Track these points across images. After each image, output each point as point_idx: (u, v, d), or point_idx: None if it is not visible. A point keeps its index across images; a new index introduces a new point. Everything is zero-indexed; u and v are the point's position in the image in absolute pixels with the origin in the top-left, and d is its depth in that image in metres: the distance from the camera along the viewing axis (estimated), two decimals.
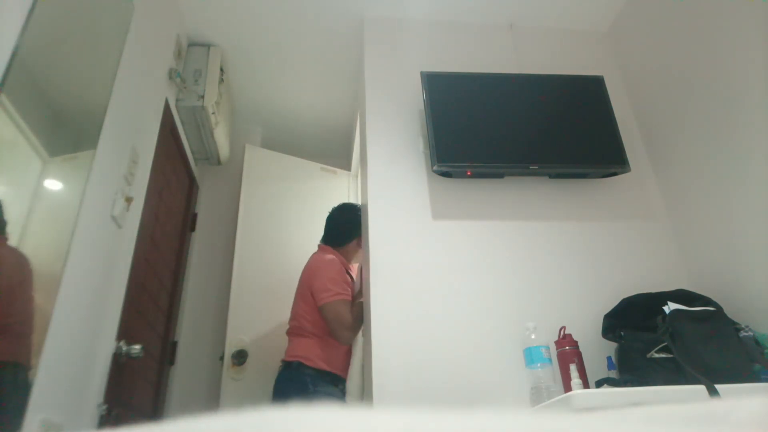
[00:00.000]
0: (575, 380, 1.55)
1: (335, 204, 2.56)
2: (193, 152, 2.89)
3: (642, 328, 1.65)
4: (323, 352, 2.15)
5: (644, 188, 2.24)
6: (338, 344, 2.18)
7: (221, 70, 2.69)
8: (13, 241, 1.19)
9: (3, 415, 1.13)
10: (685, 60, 2.12)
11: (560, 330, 1.71)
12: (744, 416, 0.20)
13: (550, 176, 2.15)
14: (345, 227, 2.42)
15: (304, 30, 2.62)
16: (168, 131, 2.40)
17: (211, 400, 2.55)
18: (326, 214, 2.52)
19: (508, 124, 2.13)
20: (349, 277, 2.31)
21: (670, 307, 1.62)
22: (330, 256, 2.31)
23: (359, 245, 2.36)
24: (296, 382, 2.09)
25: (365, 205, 2.11)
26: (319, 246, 2.43)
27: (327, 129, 3.40)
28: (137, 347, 1.82)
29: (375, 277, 1.87)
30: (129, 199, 1.82)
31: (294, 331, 2.25)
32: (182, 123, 2.65)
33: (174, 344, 2.60)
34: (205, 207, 3.07)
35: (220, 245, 2.98)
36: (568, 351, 1.64)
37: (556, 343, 1.69)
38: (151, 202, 2.14)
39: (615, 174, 2.14)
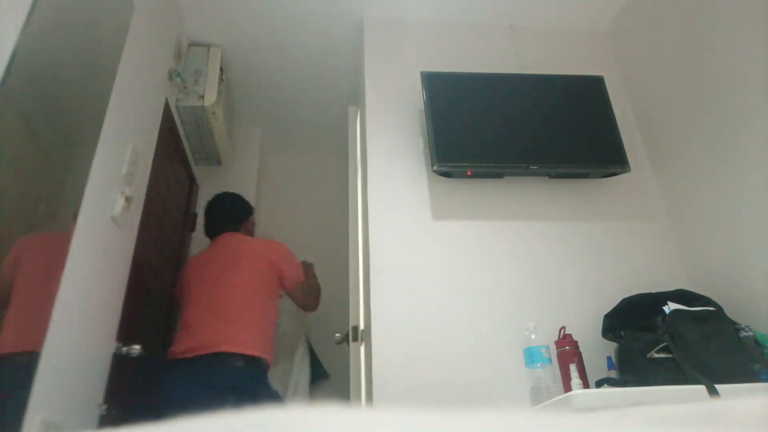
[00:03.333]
0: (575, 380, 1.55)
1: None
2: (193, 152, 2.89)
3: (642, 328, 1.65)
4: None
5: (644, 188, 2.24)
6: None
7: (221, 70, 2.69)
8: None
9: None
10: (685, 59, 2.12)
11: (560, 330, 1.71)
12: (744, 416, 0.20)
13: (550, 176, 2.15)
14: (238, 211, 2.52)
15: (304, 30, 2.62)
16: (168, 131, 2.40)
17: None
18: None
19: (508, 124, 2.13)
20: None
21: (670, 307, 1.62)
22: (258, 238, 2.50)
23: (253, 221, 2.59)
24: (264, 384, 2.08)
25: (365, 205, 2.11)
26: (228, 235, 2.40)
27: (327, 129, 3.40)
28: (137, 347, 1.82)
29: (375, 277, 1.87)
30: (129, 199, 1.81)
31: (241, 318, 2.08)
32: (182, 123, 2.65)
33: None
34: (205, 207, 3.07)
35: None
36: (568, 351, 1.64)
37: (556, 343, 1.69)
38: (151, 202, 2.14)
39: (615, 174, 2.14)
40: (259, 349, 2.05)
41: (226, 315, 2.06)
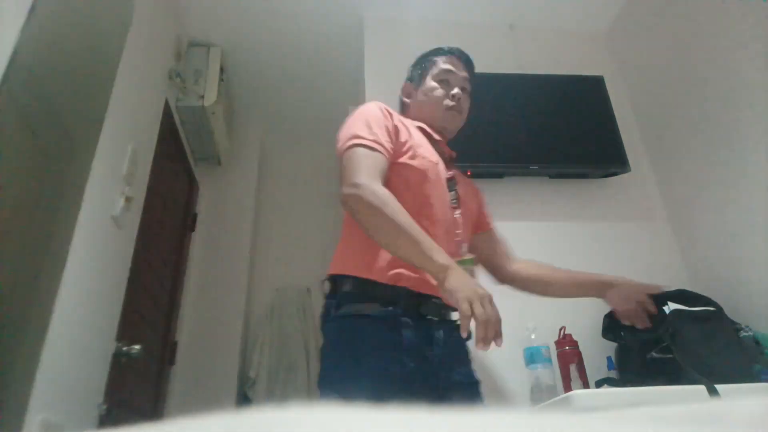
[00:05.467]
0: (575, 380, 1.56)
1: None
2: (193, 152, 2.89)
3: (642, 328, 1.65)
4: None
5: (644, 188, 2.24)
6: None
7: (221, 70, 2.69)
8: None
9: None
10: (684, 60, 2.12)
11: (560, 330, 1.71)
12: (744, 416, 0.20)
13: (550, 176, 2.15)
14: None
15: (304, 30, 2.62)
16: (168, 131, 2.40)
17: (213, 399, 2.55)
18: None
19: (508, 124, 2.13)
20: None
21: (670, 307, 1.62)
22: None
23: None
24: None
25: None
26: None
27: (327, 129, 3.40)
28: (137, 347, 1.82)
29: None
30: (129, 199, 1.81)
31: None
32: (182, 123, 2.65)
33: (174, 344, 2.60)
34: (205, 207, 3.07)
35: (220, 245, 2.98)
36: (568, 351, 1.64)
37: (556, 343, 1.69)
38: (151, 202, 2.14)
39: (615, 174, 2.14)
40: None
41: None
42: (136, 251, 1.96)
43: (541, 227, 2.04)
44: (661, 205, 2.21)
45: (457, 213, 1.26)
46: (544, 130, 2.14)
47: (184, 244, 2.78)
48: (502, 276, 1.48)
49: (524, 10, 2.53)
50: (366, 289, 1.11)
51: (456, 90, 1.38)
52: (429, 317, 1.14)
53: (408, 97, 1.46)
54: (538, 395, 1.58)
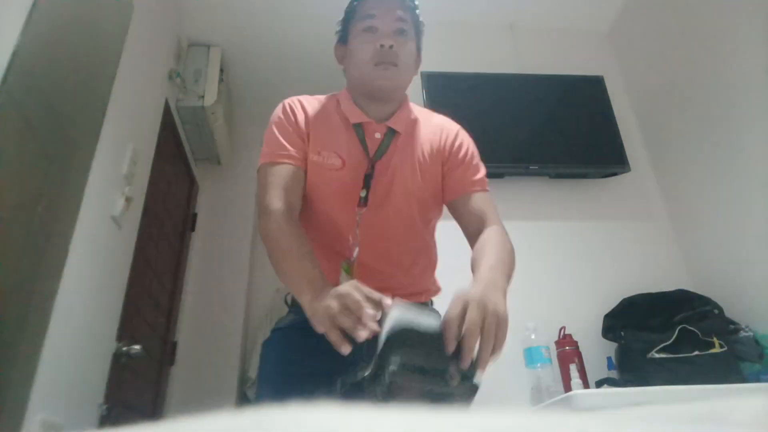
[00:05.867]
0: (575, 380, 1.56)
1: None
2: (193, 152, 2.89)
3: (642, 328, 1.65)
4: None
5: (644, 188, 2.24)
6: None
7: (221, 70, 2.69)
8: None
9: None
10: (684, 60, 2.12)
11: (560, 330, 1.71)
12: (744, 416, 0.20)
13: (550, 176, 2.15)
14: None
15: (304, 30, 2.62)
16: (168, 131, 2.40)
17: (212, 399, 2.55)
18: None
19: (508, 124, 2.13)
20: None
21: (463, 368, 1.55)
22: None
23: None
24: None
25: None
26: None
27: None
28: (137, 347, 1.82)
29: None
30: (129, 199, 1.81)
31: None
32: (182, 123, 2.65)
33: (174, 344, 2.60)
34: (205, 207, 3.07)
35: (220, 245, 2.98)
36: (568, 351, 1.64)
37: (556, 343, 1.69)
38: (151, 202, 2.14)
39: (615, 174, 2.14)
40: None
41: None
42: (136, 251, 1.96)
43: (541, 227, 2.04)
44: (661, 205, 2.21)
45: (360, 212, 1.09)
46: (544, 130, 2.14)
47: (184, 244, 2.78)
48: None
49: (524, 10, 2.53)
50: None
51: (384, 40, 1.07)
52: None
53: (341, 62, 1.25)
54: (538, 395, 1.58)
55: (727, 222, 1.88)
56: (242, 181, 3.18)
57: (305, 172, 1.09)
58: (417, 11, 1.16)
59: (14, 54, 1.17)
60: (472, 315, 0.74)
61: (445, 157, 1.17)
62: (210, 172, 3.15)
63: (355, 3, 1.14)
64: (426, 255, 1.27)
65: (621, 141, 2.14)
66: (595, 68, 2.41)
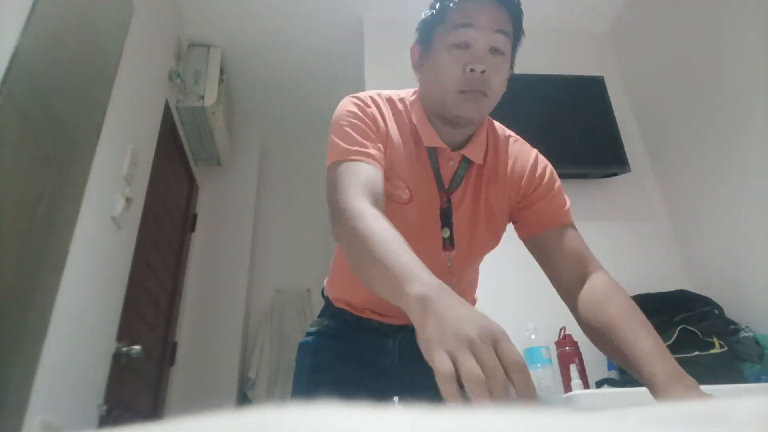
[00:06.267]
0: (575, 380, 1.55)
1: None
2: (193, 152, 2.89)
3: None
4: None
5: (644, 188, 2.24)
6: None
7: (221, 70, 2.69)
8: None
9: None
10: (685, 60, 2.12)
11: (560, 330, 1.71)
12: (744, 416, 0.20)
13: None
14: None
15: (304, 30, 2.62)
16: (168, 132, 2.40)
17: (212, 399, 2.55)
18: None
19: (508, 124, 2.12)
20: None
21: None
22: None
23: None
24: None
25: None
26: None
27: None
28: (137, 348, 1.82)
29: None
30: (129, 200, 1.81)
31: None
32: (182, 123, 2.65)
33: (174, 344, 2.60)
34: (205, 207, 3.07)
35: (220, 245, 2.98)
36: (568, 351, 1.64)
37: (557, 343, 1.69)
38: (151, 203, 2.14)
39: (615, 174, 2.14)
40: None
41: None
42: (136, 251, 1.96)
43: None
44: (661, 206, 2.21)
45: (450, 255, 0.94)
46: (544, 130, 2.13)
47: (184, 244, 2.78)
48: (571, 306, 1.02)
49: (524, 11, 2.53)
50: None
51: (474, 64, 0.88)
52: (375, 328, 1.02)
53: (417, 69, 1.05)
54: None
55: (727, 222, 1.88)
56: (242, 182, 3.19)
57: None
58: (521, 16, 0.99)
59: (14, 54, 1.18)
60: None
61: (521, 189, 1.03)
62: (210, 173, 3.15)
63: (447, 3, 0.91)
64: (476, 273, 1.24)
65: (621, 141, 2.14)
66: (595, 68, 2.41)
